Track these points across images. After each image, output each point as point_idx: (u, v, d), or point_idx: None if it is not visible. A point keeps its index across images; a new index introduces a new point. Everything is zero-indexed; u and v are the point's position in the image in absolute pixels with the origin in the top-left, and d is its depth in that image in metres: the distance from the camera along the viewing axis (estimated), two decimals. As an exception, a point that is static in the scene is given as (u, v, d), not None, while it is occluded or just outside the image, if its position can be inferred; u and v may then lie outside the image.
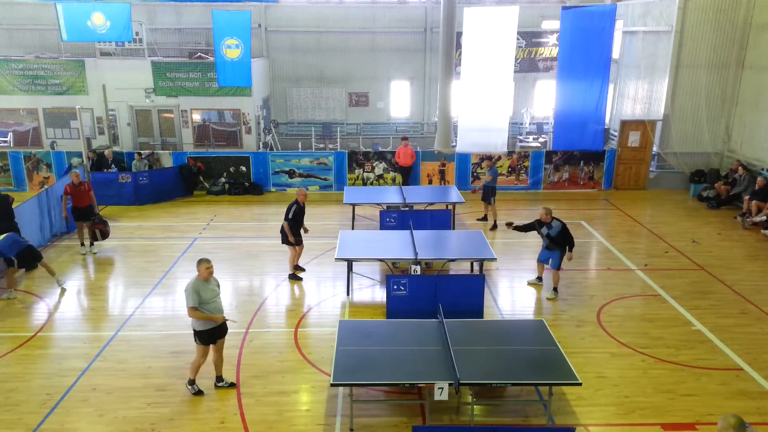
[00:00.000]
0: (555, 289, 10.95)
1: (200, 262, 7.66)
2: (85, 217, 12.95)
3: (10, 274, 10.84)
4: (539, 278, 11.48)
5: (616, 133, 18.81)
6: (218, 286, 7.95)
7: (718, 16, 16.95)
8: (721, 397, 7.98)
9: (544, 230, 10.78)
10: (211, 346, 7.93)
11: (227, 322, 7.96)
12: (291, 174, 18.01)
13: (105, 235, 13.17)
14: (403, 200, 14.10)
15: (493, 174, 14.65)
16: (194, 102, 19.79)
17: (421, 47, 22.81)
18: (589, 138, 18.14)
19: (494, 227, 14.59)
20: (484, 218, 15.12)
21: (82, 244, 13.06)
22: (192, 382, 8.04)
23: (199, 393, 7.99)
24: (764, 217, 14.46)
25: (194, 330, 7.79)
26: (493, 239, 13.73)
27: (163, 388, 8.16)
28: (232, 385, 8.24)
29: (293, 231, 11.29)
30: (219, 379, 8.21)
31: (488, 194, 14.60)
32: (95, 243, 13.19)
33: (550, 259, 10.89)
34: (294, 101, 23.19)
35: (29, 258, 10.95)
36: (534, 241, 13.17)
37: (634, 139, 18.05)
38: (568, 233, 10.68)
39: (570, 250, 10.77)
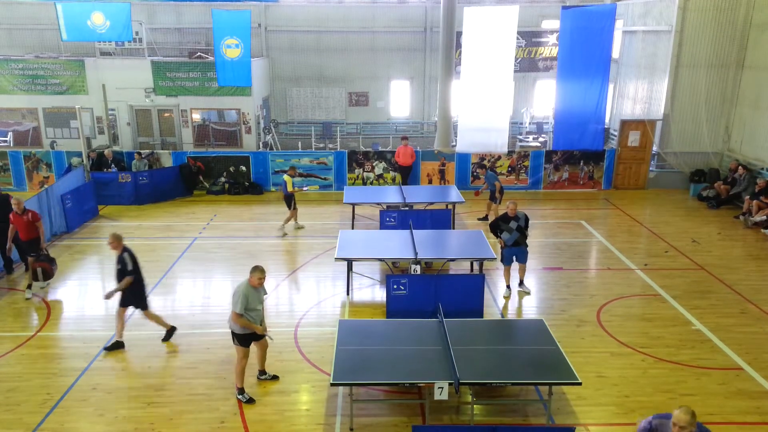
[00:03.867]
0: (522, 282, 11.10)
1: (255, 269, 7.61)
2: (26, 252, 11.00)
3: None
4: (509, 287, 11.06)
5: (616, 133, 18.81)
6: (266, 294, 8.01)
7: (718, 16, 16.94)
8: (720, 397, 7.98)
9: (513, 224, 10.51)
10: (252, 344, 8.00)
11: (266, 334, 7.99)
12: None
13: (48, 275, 11.07)
14: (403, 200, 14.10)
15: (491, 179, 14.67)
16: (194, 102, 19.79)
17: (421, 47, 22.82)
18: (589, 138, 18.14)
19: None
20: (485, 218, 15.12)
21: (34, 281, 11.00)
22: (242, 391, 7.88)
23: (250, 401, 7.82)
24: (764, 217, 14.47)
25: (233, 332, 7.80)
26: (493, 239, 13.70)
27: (163, 387, 8.16)
28: (274, 377, 8.32)
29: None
30: (261, 372, 8.30)
31: (493, 193, 14.63)
32: (34, 283, 10.91)
33: (515, 256, 10.79)
34: (294, 101, 23.19)
35: None
36: (533, 240, 13.18)
37: (634, 138, 18.05)
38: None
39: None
